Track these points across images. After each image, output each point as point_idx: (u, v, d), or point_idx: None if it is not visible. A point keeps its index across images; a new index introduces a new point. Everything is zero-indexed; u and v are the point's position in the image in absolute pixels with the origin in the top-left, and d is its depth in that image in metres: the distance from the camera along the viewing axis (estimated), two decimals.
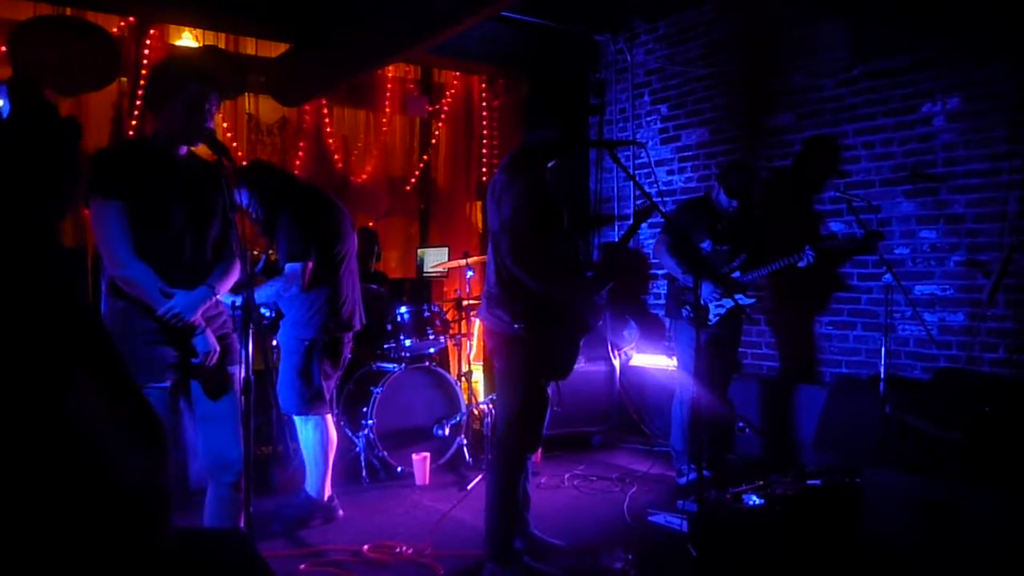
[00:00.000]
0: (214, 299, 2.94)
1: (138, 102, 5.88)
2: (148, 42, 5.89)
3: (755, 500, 4.27)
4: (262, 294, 4.14)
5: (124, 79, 5.91)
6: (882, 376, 4.47)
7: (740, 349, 5.39)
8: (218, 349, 2.92)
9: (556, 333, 3.46)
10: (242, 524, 2.91)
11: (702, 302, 4.67)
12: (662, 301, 5.28)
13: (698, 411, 4.67)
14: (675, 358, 5.08)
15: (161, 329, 2.81)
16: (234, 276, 3.00)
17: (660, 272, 6.38)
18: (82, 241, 5.71)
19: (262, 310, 4.29)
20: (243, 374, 2.60)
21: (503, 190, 3.34)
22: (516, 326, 3.36)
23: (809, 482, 4.42)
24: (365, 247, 6.36)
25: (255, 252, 5.09)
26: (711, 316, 4.86)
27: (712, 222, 4.87)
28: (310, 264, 4.09)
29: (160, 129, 2.90)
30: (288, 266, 4.08)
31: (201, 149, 2.90)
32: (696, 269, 4.78)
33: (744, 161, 5.70)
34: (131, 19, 5.81)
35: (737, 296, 4.80)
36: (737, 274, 4.87)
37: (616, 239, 7.10)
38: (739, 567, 3.67)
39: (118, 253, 2.77)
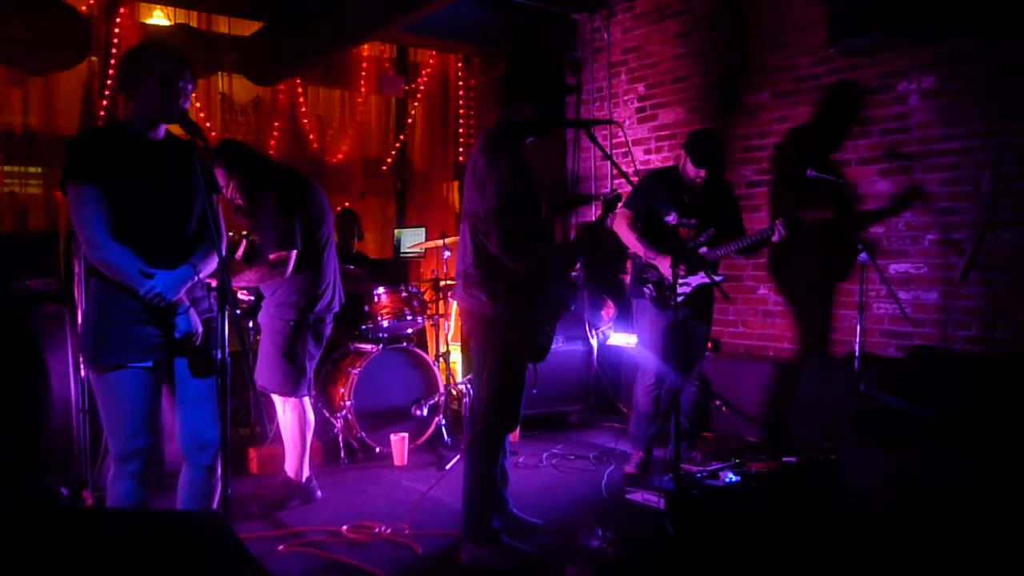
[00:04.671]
0: (197, 279, 2.92)
1: (108, 82, 5.80)
2: (119, 20, 5.81)
3: (731, 477, 4.33)
4: (244, 280, 4.12)
5: (94, 58, 5.83)
6: (857, 354, 4.50)
7: (716, 328, 5.34)
8: (201, 330, 2.91)
9: (534, 313, 3.45)
10: (215, 506, 2.91)
11: (665, 280, 4.48)
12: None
13: (663, 393, 4.64)
14: (636, 338, 4.83)
15: (143, 309, 2.80)
16: (216, 256, 2.98)
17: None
18: (54, 226, 5.65)
19: (239, 294, 4.28)
20: (219, 356, 2.59)
21: (486, 173, 3.30)
22: (494, 306, 3.35)
23: (785, 459, 4.48)
24: (346, 228, 6.34)
25: (230, 234, 5.03)
26: (677, 294, 4.61)
27: (679, 194, 4.54)
28: (295, 253, 4.06)
29: (135, 111, 2.87)
30: (274, 254, 4.03)
31: (176, 130, 2.88)
32: (661, 245, 4.47)
33: (712, 130, 5.43)
34: None
35: (704, 272, 4.45)
36: (704, 249, 4.52)
37: (593, 219, 7.11)
38: (716, 543, 3.71)
39: (95, 237, 2.75)
